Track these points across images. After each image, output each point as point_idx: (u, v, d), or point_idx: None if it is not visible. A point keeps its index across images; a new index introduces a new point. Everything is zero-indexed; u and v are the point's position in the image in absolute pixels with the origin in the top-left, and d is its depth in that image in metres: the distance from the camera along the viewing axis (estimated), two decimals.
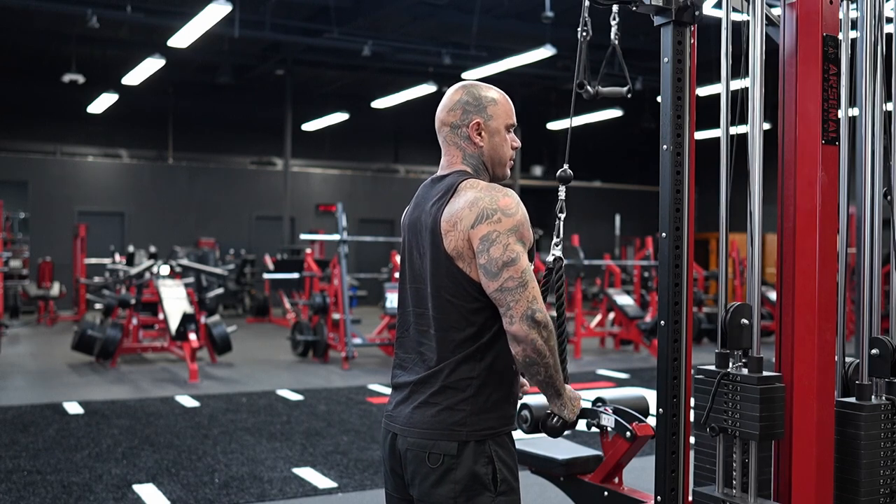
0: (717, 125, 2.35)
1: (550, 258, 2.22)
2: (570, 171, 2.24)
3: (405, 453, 1.98)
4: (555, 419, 2.04)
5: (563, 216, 2.22)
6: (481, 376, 1.94)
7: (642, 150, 21.37)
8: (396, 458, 2.01)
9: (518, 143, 2.09)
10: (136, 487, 4.70)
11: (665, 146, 2.40)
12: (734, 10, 2.39)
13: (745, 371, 2.27)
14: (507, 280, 1.87)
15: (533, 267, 1.92)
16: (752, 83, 2.35)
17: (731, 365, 2.32)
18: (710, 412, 2.30)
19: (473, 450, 1.92)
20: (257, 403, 7.26)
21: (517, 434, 3.35)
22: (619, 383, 8.55)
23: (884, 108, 2.55)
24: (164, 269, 10.27)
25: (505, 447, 1.98)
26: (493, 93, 2.06)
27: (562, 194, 2.23)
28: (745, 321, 2.29)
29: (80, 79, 14.30)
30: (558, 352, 1.96)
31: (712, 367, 2.34)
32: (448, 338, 1.95)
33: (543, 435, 3.54)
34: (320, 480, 4.90)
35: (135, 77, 14.26)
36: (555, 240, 2.23)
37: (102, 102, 16.08)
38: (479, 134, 2.03)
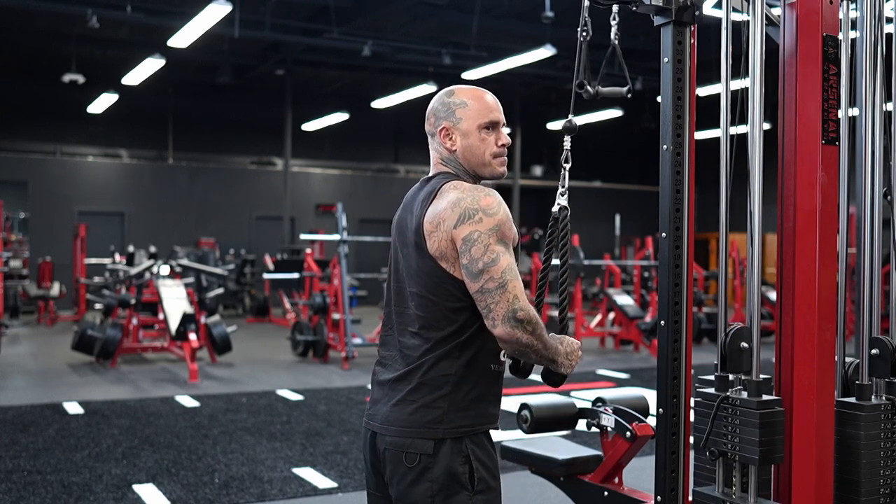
0: (717, 125, 2.35)
1: (555, 207, 2.20)
2: (574, 122, 2.25)
3: (384, 453, 1.99)
4: (552, 375, 2.07)
5: (568, 166, 2.22)
6: (458, 373, 1.95)
7: (642, 150, 21.38)
8: (377, 457, 2.03)
9: (506, 140, 2.07)
10: (136, 487, 4.71)
11: (665, 146, 2.40)
12: (734, 10, 2.39)
13: (744, 395, 2.26)
14: (488, 281, 1.88)
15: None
16: (752, 83, 2.35)
17: (730, 388, 2.30)
18: (709, 436, 2.29)
19: (450, 448, 1.93)
20: (257, 403, 7.26)
21: (517, 434, 3.36)
22: (619, 383, 8.55)
23: (884, 108, 2.55)
24: (164, 269, 10.27)
25: (482, 446, 1.98)
26: (466, 95, 2.06)
27: (567, 144, 2.23)
28: (744, 345, 2.28)
29: (80, 79, 14.30)
30: (560, 299, 2.00)
31: (712, 391, 2.33)
32: (428, 335, 1.97)
33: (543, 435, 3.55)
34: (320, 480, 4.90)
35: (135, 77, 14.26)
36: (560, 189, 2.22)
37: (102, 102, 16.09)
38: (450, 138, 2.06)
